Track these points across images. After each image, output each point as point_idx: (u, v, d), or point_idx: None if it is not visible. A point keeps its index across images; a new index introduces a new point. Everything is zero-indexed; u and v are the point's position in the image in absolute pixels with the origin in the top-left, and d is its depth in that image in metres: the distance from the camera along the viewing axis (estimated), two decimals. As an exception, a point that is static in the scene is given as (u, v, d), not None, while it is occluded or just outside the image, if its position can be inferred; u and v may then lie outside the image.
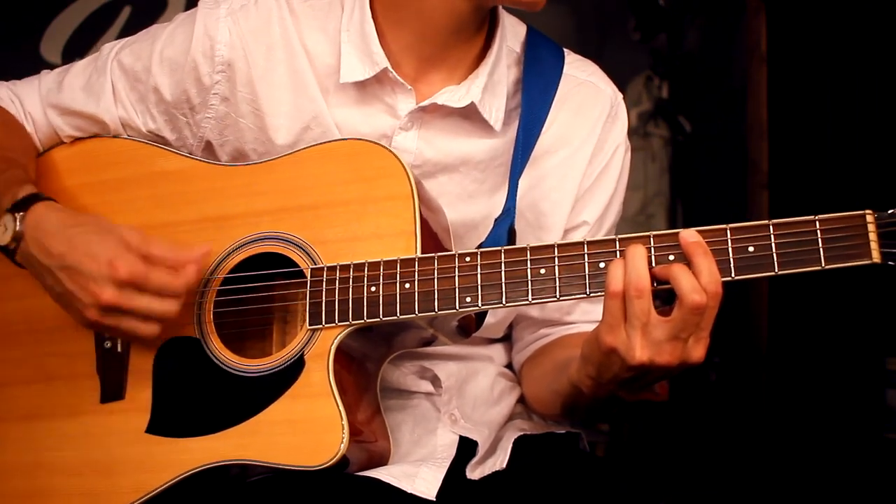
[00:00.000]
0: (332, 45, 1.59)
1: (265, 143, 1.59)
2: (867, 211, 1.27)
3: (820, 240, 1.26)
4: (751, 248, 1.29)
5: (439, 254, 1.40)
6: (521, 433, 1.56)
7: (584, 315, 1.65)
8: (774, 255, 1.28)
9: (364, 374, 1.51)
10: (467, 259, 1.39)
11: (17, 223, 1.48)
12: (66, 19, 3.45)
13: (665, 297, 1.31)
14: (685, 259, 1.29)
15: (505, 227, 1.53)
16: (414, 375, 1.61)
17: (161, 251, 1.44)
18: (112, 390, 1.51)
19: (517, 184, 1.56)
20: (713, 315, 1.28)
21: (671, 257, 1.31)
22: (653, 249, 1.31)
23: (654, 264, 1.30)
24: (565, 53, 1.67)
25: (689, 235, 1.30)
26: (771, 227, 1.28)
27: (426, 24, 1.55)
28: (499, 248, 1.39)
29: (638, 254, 1.29)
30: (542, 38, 1.67)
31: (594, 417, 1.61)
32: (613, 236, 1.34)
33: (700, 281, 1.27)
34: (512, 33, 1.65)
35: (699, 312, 1.26)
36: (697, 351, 1.28)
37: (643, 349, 1.28)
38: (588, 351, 1.36)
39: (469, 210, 1.59)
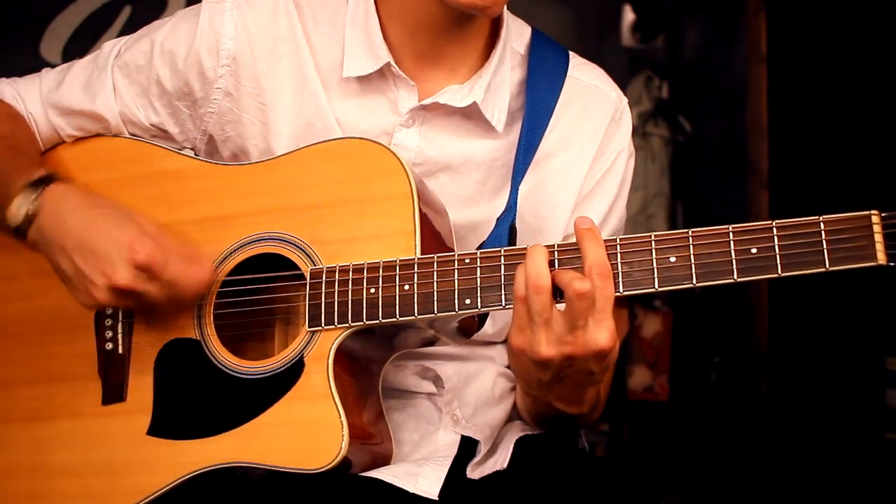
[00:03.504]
0: (337, 39, 1.59)
1: (267, 139, 1.59)
2: (873, 211, 1.24)
3: (824, 241, 1.24)
4: (753, 250, 1.27)
5: (438, 255, 1.40)
6: (523, 433, 1.56)
7: None
8: (777, 256, 1.26)
9: (365, 375, 1.50)
10: (467, 261, 1.38)
11: (32, 203, 1.49)
12: (66, 19, 3.44)
13: None
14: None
15: (506, 226, 1.53)
16: (415, 376, 1.61)
17: (177, 245, 1.46)
18: (113, 392, 1.51)
19: (519, 183, 1.55)
20: (605, 297, 1.28)
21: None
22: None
23: (555, 266, 1.32)
24: (570, 56, 1.67)
25: (581, 223, 1.32)
26: (774, 229, 1.27)
27: (414, 22, 1.55)
28: (498, 249, 1.38)
29: (536, 253, 1.31)
30: (546, 41, 1.67)
31: (569, 427, 1.61)
32: (614, 237, 1.33)
33: (585, 265, 1.29)
34: (517, 35, 1.65)
35: (586, 298, 1.27)
36: (601, 335, 1.29)
37: (548, 344, 1.30)
38: (510, 362, 1.38)
39: (470, 212, 1.59)
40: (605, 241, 1.32)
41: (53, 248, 1.48)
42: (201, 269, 1.46)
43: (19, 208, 1.49)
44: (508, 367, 1.70)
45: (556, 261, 1.33)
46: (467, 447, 1.53)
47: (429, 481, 1.43)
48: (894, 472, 3.08)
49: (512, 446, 1.51)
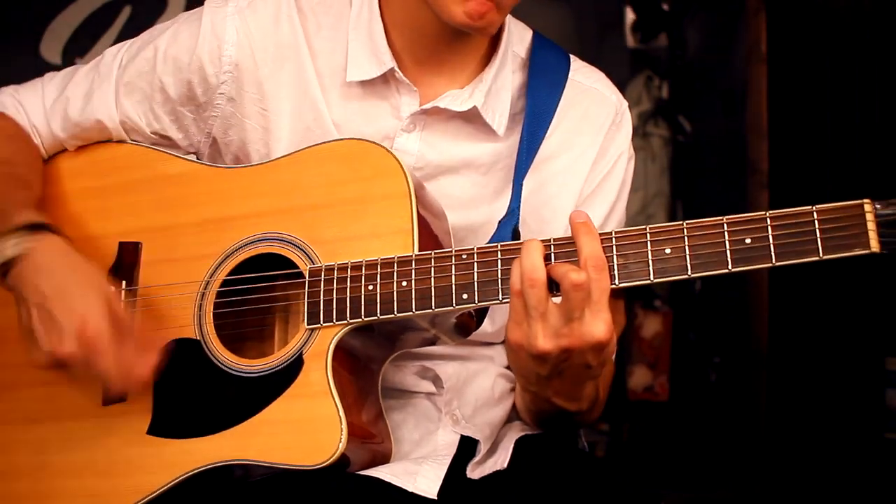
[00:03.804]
0: (340, 44, 1.59)
1: (269, 144, 1.60)
2: (865, 200, 1.25)
3: (818, 230, 1.25)
4: (748, 240, 1.28)
5: (436, 251, 1.40)
6: (523, 433, 1.56)
7: None
8: (772, 245, 1.27)
9: (365, 374, 1.51)
10: (464, 257, 1.39)
11: (21, 246, 1.47)
12: (66, 19, 3.44)
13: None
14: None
15: (509, 229, 1.53)
16: (415, 375, 1.62)
17: (134, 332, 1.43)
18: (114, 392, 1.51)
19: (521, 186, 1.56)
20: (601, 289, 1.29)
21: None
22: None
23: (551, 260, 1.33)
24: (571, 60, 1.67)
25: (577, 216, 1.33)
26: (768, 219, 1.28)
27: (415, 30, 1.56)
28: (495, 244, 1.38)
29: (532, 247, 1.31)
30: (547, 44, 1.67)
31: (569, 427, 1.60)
32: (610, 231, 1.34)
33: (580, 258, 1.30)
34: (518, 38, 1.65)
35: (581, 289, 1.28)
36: (597, 327, 1.29)
37: (545, 337, 1.30)
38: (508, 358, 1.38)
39: (471, 214, 1.59)
40: (601, 234, 1.33)
41: (20, 298, 1.46)
42: (144, 366, 1.42)
43: (7, 248, 1.46)
44: (508, 367, 1.70)
45: (552, 255, 1.34)
46: (467, 446, 1.54)
47: (428, 480, 1.43)
48: (894, 472, 3.08)
49: (512, 446, 1.51)
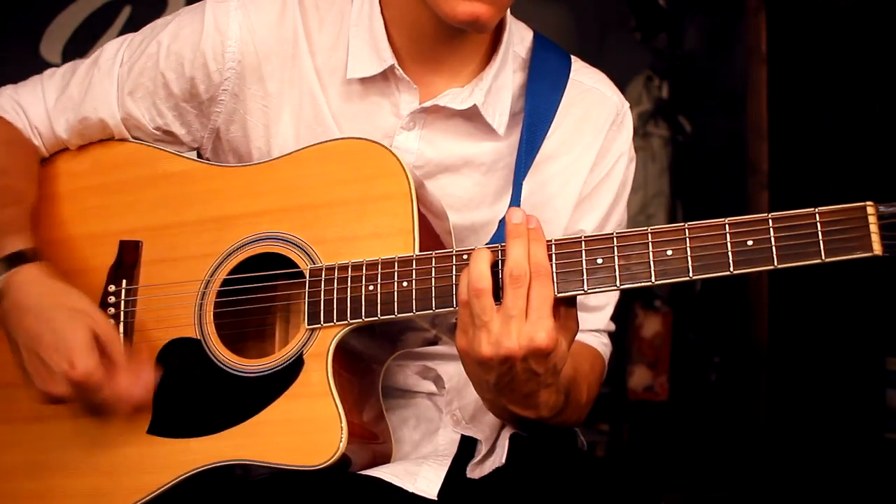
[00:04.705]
0: (341, 41, 1.58)
1: (269, 141, 1.59)
2: (868, 202, 1.24)
3: (820, 232, 1.24)
4: (749, 242, 1.27)
5: (436, 252, 1.40)
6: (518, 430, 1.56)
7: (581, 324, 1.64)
8: (773, 248, 1.26)
9: (366, 374, 1.51)
10: (465, 257, 1.38)
11: (1, 281, 1.48)
12: (66, 19, 3.45)
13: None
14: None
15: None
16: (416, 375, 1.62)
17: (122, 357, 1.45)
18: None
19: (521, 186, 1.55)
20: (541, 295, 1.29)
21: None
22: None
23: (499, 266, 1.33)
24: (572, 60, 1.67)
25: (513, 216, 1.32)
26: (770, 221, 1.27)
27: (415, 29, 1.55)
28: (496, 244, 1.38)
29: (479, 256, 1.32)
30: (549, 44, 1.66)
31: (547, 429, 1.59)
32: (611, 232, 1.33)
33: (509, 259, 1.30)
34: (518, 38, 1.65)
35: (518, 282, 1.28)
36: (538, 333, 1.28)
37: (487, 344, 1.30)
38: (463, 367, 1.39)
39: (472, 214, 1.59)
40: (602, 235, 1.33)
41: (10, 334, 1.49)
42: (138, 389, 1.45)
43: None
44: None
45: (500, 262, 1.33)
46: (467, 446, 1.54)
47: (428, 480, 1.43)
48: (894, 472, 3.08)
49: (507, 443, 1.51)
